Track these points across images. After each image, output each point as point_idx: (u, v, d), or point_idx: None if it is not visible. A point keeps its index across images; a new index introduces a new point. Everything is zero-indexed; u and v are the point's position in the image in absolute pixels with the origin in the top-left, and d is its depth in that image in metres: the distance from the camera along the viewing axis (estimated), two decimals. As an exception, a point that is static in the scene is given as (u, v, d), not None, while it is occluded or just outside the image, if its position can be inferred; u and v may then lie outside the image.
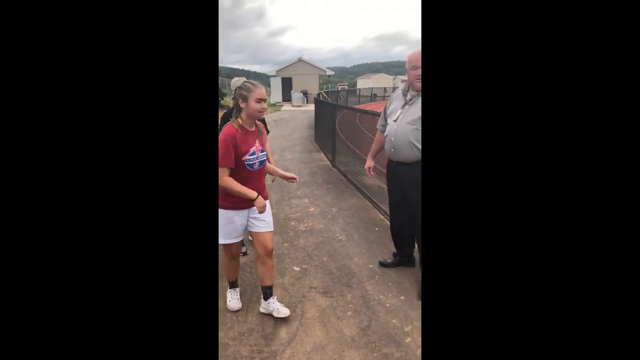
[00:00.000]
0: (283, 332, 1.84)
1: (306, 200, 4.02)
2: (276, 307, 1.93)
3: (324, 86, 31.35)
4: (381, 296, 2.15)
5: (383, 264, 2.49)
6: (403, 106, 2.05)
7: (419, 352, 1.69)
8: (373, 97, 25.13)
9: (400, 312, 1.99)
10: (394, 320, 1.93)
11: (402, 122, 2.01)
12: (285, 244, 2.89)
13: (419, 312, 1.99)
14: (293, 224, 3.32)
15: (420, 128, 1.94)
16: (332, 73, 29.40)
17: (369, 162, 2.42)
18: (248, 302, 2.09)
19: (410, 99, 2.03)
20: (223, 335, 1.81)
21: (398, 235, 2.40)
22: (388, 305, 2.06)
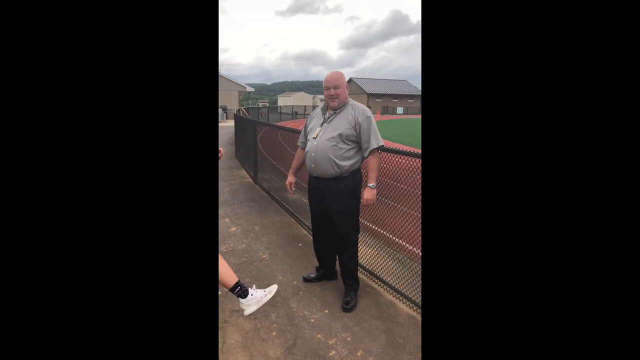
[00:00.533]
0: (202, 364, 1.70)
1: (227, 220, 3.86)
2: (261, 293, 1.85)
3: (244, 102, 30.97)
4: (306, 312, 2.15)
5: (307, 280, 2.50)
6: (322, 124, 2.13)
7: (343, 364, 1.72)
8: (294, 115, 25.67)
9: (325, 326, 2.01)
10: (318, 335, 1.93)
11: (322, 139, 2.08)
12: (205, 267, 2.71)
13: (342, 323, 2.04)
14: (213, 245, 3.14)
15: (338, 145, 2.04)
16: (252, 90, 29.27)
17: (290, 178, 2.44)
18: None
19: (329, 117, 2.12)
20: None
21: (320, 248, 2.44)
22: (312, 320, 2.07)
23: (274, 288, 1.90)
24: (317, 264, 2.54)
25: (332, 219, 2.17)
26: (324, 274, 2.50)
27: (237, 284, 1.76)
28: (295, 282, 2.49)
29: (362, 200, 2.12)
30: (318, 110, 2.25)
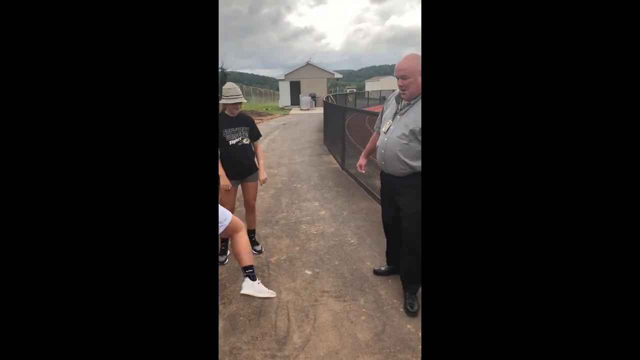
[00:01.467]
0: (296, 337, 1.82)
1: (317, 203, 4.01)
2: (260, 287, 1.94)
3: (332, 89, 31.44)
4: (395, 301, 2.12)
5: (377, 272, 2.42)
6: (394, 116, 1.92)
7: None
8: (382, 100, 25.11)
9: (415, 317, 1.96)
10: (408, 326, 1.89)
11: (392, 135, 1.88)
12: (297, 248, 2.88)
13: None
14: (304, 227, 3.30)
15: (410, 143, 1.81)
16: (340, 76, 29.45)
17: (361, 161, 2.34)
18: (261, 306, 2.09)
19: (402, 109, 1.89)
20: (236, 340, 1.80)
21: (389, 244, 2.33)
22: (402, 310, 2.03)
23: (272, 294, 1.95)
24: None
25: (400, 217, 2.01)
26: (394, 268, 2.38)
27: (252, 267, 1.94)
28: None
29: None
30: (393, 97, 2.01)
